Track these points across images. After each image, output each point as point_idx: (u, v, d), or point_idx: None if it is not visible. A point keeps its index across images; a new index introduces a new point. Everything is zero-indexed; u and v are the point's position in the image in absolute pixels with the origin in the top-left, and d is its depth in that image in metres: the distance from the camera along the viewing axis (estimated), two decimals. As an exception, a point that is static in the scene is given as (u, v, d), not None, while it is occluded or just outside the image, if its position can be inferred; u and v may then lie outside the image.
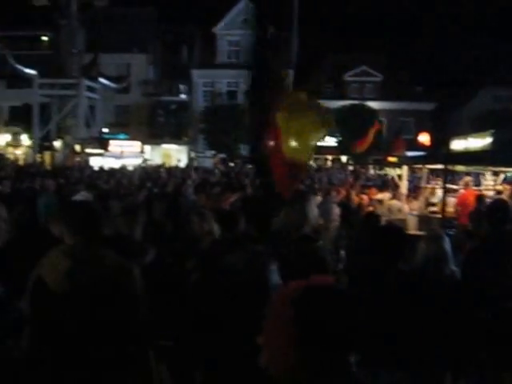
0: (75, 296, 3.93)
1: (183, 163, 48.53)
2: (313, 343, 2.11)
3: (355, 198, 16.85)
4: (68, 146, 54.37)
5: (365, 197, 17.40)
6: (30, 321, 4.12)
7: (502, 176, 20.30)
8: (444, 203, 15.97)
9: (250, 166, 41.04)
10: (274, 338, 2.17)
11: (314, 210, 5.99)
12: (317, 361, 2.12)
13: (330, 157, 56.82)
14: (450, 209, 16.92)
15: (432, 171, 22.50)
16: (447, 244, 6.09)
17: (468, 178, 18.42)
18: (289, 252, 4.92)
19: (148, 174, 28.14)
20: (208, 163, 47.01)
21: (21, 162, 44.84)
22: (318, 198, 15.22)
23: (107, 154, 47.92)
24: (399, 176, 21.15)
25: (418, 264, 5.98)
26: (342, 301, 2.21)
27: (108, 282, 4.03)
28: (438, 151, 26.03)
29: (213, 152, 52.44)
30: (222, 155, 51.82)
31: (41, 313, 4.05)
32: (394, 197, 18.00)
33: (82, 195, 10.91)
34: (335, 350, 2.14)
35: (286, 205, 5.90)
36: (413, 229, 16.05)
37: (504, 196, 16.03)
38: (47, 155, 52.64)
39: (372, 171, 38.01)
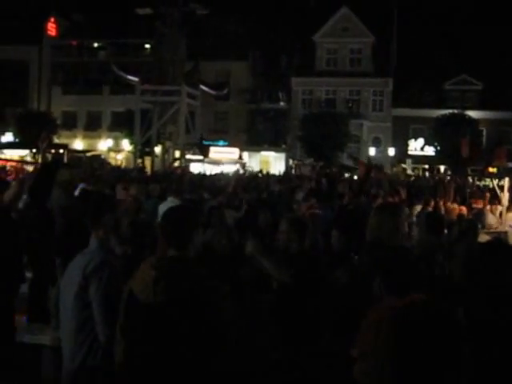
0: (161, 309, 3.93)
1: (280, 170, 48.66)
2: (413, 361, 2.11)
3: (455, 209, 16.57)
4: (168, 152, 55.34)
5: (463, 208, 17.10)
6: (124, 334, 4.14)
7: None
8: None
9: (347, 175, 41.02)
10: (370, 352, 2.17)
11: (404, 222, 5.79)
12: (414, 377, 2.11)
13: (427, 166, 55.90)
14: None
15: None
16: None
17: None
18: (389, 264, 4.84)
19: (248, 181, 27.88)
20: (306, 170, 46.93)
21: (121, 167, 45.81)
22: (418, 208, 15.18)
23: (207, 160, 48.45)
24: (500, 187, 20.65)
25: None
26: (444, 321, 2.19)
27: (195, 297, 3.97)
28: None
29: (311, 159, 52.37)
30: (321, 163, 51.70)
31: (132, 326, 4.09)
32: (493, 209, 17.65)
33: (170, 201, 10.96)
34: (435, 368, 2.12)
35: (375, 215, 5.67)
36: (513, 242, 15.69)
37: None
38: (147, 160, 53.54)
39: (470, 181, 37.10)
